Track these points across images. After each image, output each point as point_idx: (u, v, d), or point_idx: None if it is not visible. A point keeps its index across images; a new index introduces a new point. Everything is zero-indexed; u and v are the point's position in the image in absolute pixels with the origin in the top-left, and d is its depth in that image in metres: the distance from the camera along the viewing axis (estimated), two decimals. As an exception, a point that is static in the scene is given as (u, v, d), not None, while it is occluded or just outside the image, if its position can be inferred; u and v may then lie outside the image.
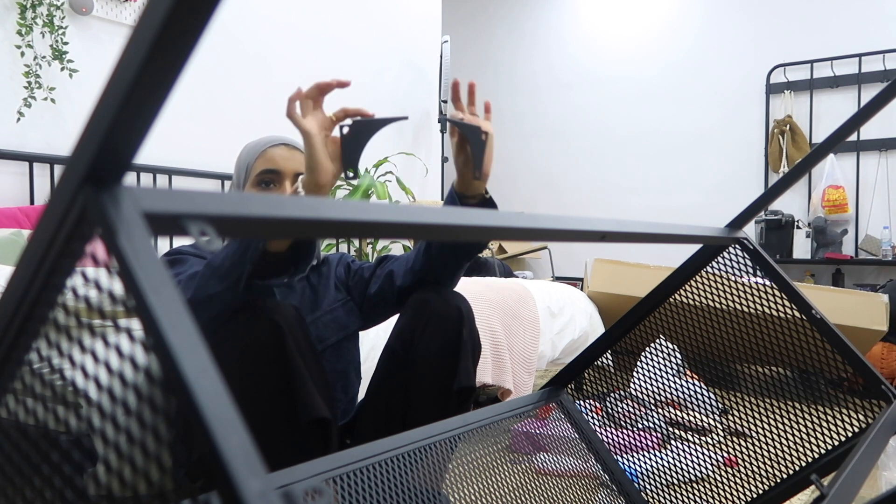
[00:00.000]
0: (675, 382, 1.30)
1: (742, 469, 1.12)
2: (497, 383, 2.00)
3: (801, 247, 3.99)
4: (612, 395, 1.42)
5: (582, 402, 1.26)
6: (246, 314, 0.99)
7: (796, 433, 1.03)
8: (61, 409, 1.14)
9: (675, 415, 2.04)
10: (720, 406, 2.05)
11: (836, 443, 0.99)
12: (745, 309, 1.06)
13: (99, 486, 1.10)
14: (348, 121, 1.04)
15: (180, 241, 2.85)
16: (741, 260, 1.06)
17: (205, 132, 2.91)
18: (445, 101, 4.06)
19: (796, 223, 3.99)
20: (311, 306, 1.23)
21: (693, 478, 1.23)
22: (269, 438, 0.99)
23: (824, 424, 1.00)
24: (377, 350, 1.57)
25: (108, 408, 0.39)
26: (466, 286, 2.11)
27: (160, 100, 0.29)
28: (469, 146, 1.07)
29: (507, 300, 2.20)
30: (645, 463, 1.25)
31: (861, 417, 0.98)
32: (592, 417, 1.23)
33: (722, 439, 1.97)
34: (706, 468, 1.23)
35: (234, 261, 0.95)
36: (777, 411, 1.07)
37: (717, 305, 1.08)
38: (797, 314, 1.02)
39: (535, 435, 1.17)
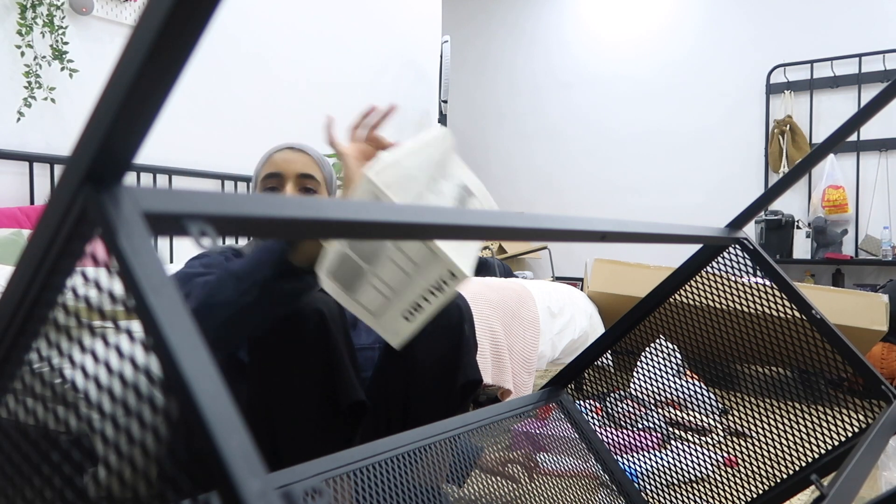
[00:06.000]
0: (675, 382, 1.30)
1: (742, 469, 1.12)
2: (497, 383, 2.00)
3: (801, 247, 3.99)
4: (612, 395, 1.43)
5: (582, 402, 1.26)
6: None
7: (796, 433, 1.03)
8: (61, 409, 1.14)
9: (675, 415, 2.04)
10: (720, 406, 2.05)
11: (836, 443, 0.99)
12: (745, 309, 1.06)
13: (99, 487, 1.10)
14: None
15: (180, 242, 2.85)
16: (741, 260, 1.06)
17: (204, 132, 2.91)
18: (445, 101, 4.06)
19: (796, 223, 3.99)
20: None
21: (693, 478, 1.23)
22: (309, 423, 1.02)
23: (824, 424, 1.00)
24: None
25: (109, 408, 0.39)
26: (466, 286, 2.11)
27: (160, 100, 0.29)
28: None
29: (507, 300, 2.20)
30: (645, 463, 1.25)
31: (861, 417, 0.98)
32: (592, 417, 1.23)
33: (722, 439, 1.96)
34: (706, 468, 1.23)
35: (252, 266, 0.92)
36: (777, 411, 1.07)
37: (717, 305, 1.08)
38: (797, 314, 1.02)
39: (535, 435, 1.17)
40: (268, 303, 0.94)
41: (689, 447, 1.24)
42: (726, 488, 1.12)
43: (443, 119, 4.11)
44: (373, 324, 0.85)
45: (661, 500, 1.24)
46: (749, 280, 1.07)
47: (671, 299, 1.14)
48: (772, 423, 1.06)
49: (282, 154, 1.21)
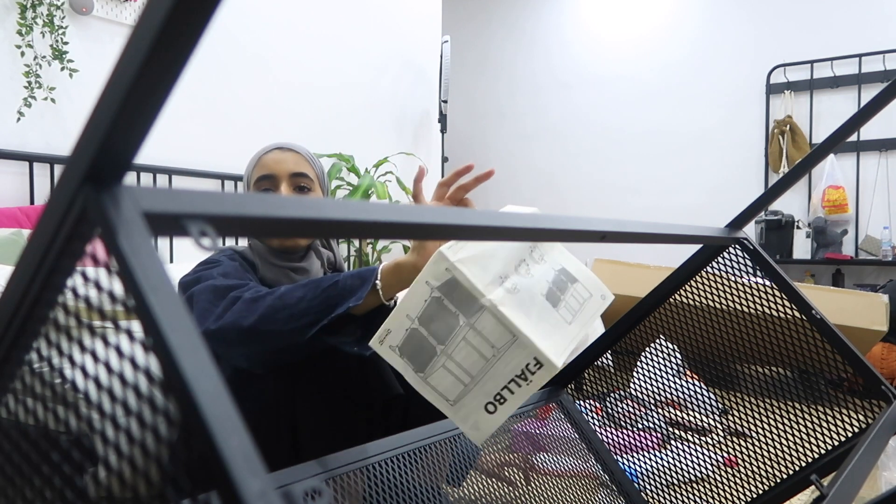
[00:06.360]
0: (675, 382, 1.30)
1: (742, 469, 1.12)
2: (497, 383, 2.00)
3: (801, 247, 3.99)
4: (612, 395, 1.42)
5: (582, 402, 1.26)
6: None
7: (796, 433, 1.03)
8: (61, 409, 1.14)
9: (675, 415, 2.04)
10: (720, 406, 2.05)
11: (836, 443, 0.99)
12: (745, 309, 1.06)
13: (99, 487, 1.10)
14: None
15: (180, 242, 2.85)
16: (741, 260, 1.06)
17: (205, 132, 2.91)
18: (445, 101, 4.06)
19: (796, 223, 3.99)
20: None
21: (693, 478, 1.23)
22: (338, 418, 1.03)
23: (824, 424, 1.00)
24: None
25: (109, 408, 0.39)
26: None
27: (160, 100, 0.29)
28: None
29: (507, 300, 2.19)
30: (645, 463, 1.25)
31: (861, 417, 0.98)
32: (592, 417, 1.23)
33: (722, 439, 1.96)
34: (706, 468, 1.23)
35: (311, 306, 0.91)
36: (777, 411, 1.07)
37: (717, 305, 1.08)
38: (797, 314, 1.02)
39: (535, 435, 1.17)
40: (308, 346, 0.94)
41: (689, 447, 1.24)
42: (726, 488, 1.12)
43: (443, 119, 4.11)
44: (450, 413, 0.77)
45: (661, 500, 1.24)
46: (749, 280, 1.07)
47: (671, 299, 1.14)
48: (772, 423, 1.06)
49: (271, 155, 1.21)
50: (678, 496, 1.20)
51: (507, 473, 1.15)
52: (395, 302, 0.96)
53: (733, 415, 1.22)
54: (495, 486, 1.12)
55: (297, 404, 1.02)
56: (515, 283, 0.75)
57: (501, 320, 0.71)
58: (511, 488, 1.13)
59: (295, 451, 1.03)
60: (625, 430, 1.34)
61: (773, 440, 1.05)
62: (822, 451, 1.00)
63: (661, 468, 1.22)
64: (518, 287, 0.75)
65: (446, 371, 0.76)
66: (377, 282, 0.92)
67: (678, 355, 1.21)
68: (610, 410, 1.48)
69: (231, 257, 1.16)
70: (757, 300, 1.07)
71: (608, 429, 1.35)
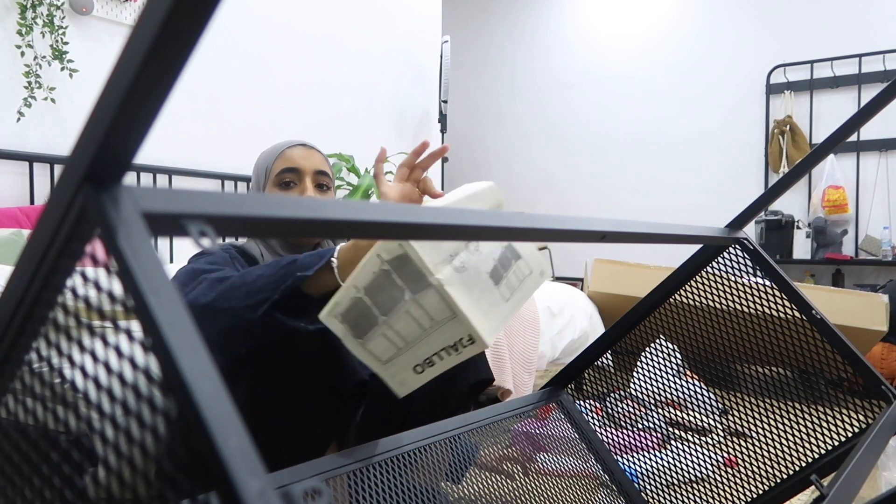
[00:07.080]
0: (675, 382, 1.30)
1: (742, 469, 1.12)
2: (497, 383, 2.00)
3: (801, 247, 3.99)
4: (612, 395, 1.43)
5: (582, 402, 1.26)
6: None
7: (796, 433, 1.03)
8: (61, 409, 1.14)
9: (675, 415, 2.04)
10: (720, 406, 2.05)
11: (836, 443, 0.99)
12: (745, 309, 1.06)
13: (99, 487, 1.10)
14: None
15: (180, 242, 2.85)
16: (741, 260, 1.06)
17: (205, 132, 2.91)
18: (445, 101, 4.06)
19: (796, 223, 3.99)
20: None
21: (693, 478, 1.23)
22: (310, 409, 1.02)
23: (824, 424, 1.00)
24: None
25: (108, 408, 0.39)
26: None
27: (160, 100, 0.29)
28: None
29: (507, 300, 2.19)
30: (645, 463, 1.25)
31: (861, 417, 0.98)
32: (592, 417, 1.23)
33: (722, 439, 1.96)
34: (706, 468, 1.23)
35: (267, 283, 0.90)
36: (777, 411, 1.07)
37: (717, 305, 1.08)
38: (797, 314, 1.02)
39: (535, 435, 1.17)
40: (263, 324, 0.92)
41: (689, 447, 1.24)
42: (726, 488, 1.12)
43: (443, 119, 4.11)
44: (378, 370, 0.79)
45: (661, 500, 1.24)
46: (749, 280, 1.07)
47: (671, 299, 1.14)
48: (772, 423, 1.06)
49: (296, 150, 1.22)
50: (678, 496, 1.20)
51: (506, 468, 1.15)
52: None
53: (733, 415, 1.22)
54: (496, 486, 1.12)
55: (270, 404, 1.02)
56: (464, 260, 0.78)
57: (445, 299, 0.74)
58: (512, 486, 1.13)
59: (274, 452, 1.02)
60: (625, 430, 1.34)
61: (773, 440, 1.05)
62: (822, 451, 1.00)
63: (661, 468, 1.22)
64: (466, 265, 0.77)
65: (384, 337, 0.78)
66: (333, 259, 0.91)
67: (678, 355, 1.21)
68: (610, 410, 1.48)
69: (225, 249, 1.17)
70: (757, 300, 1.07)
71: (608, 429, 1.35)
